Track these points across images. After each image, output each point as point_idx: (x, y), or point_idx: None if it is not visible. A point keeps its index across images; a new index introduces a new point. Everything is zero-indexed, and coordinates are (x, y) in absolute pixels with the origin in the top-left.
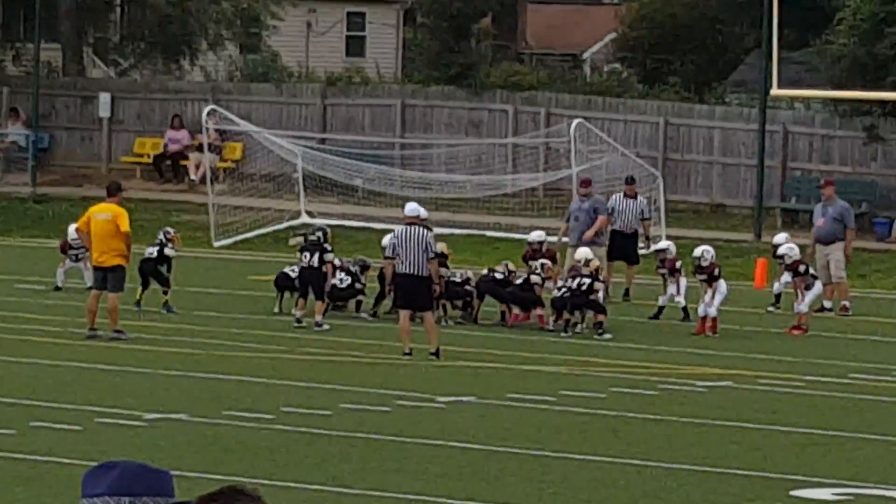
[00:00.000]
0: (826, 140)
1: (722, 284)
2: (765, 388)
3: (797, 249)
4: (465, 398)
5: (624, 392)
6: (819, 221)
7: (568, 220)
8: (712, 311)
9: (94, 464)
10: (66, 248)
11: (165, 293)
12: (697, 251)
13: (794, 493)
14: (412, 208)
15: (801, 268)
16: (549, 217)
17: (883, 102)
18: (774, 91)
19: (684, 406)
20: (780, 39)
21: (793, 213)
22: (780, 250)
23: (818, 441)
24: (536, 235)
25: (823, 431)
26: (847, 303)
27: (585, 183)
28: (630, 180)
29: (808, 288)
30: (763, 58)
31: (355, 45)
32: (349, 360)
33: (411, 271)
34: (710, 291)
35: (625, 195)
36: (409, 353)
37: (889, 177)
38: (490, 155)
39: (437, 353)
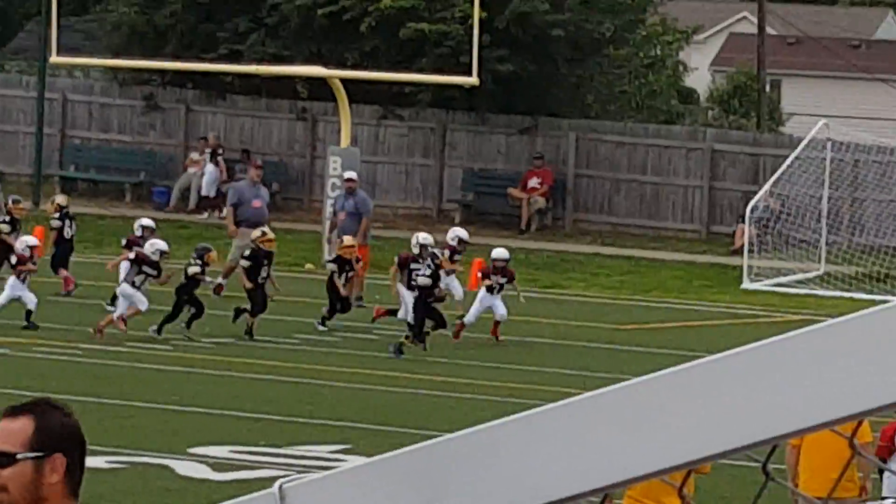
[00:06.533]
0: (105, 108)
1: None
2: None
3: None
4: None
5: None
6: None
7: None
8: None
9: None
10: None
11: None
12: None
13: None
14: None
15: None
16: None
17: (162, 72)
18: (53, 59)
19: None
20: (59, 6)
21: (72, 181)
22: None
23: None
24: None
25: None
26: None
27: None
28: None
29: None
30: (43, 25)
31: None
32: None
33: None
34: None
35: None
36: None
37: (168, 146)
38: None
39: None
